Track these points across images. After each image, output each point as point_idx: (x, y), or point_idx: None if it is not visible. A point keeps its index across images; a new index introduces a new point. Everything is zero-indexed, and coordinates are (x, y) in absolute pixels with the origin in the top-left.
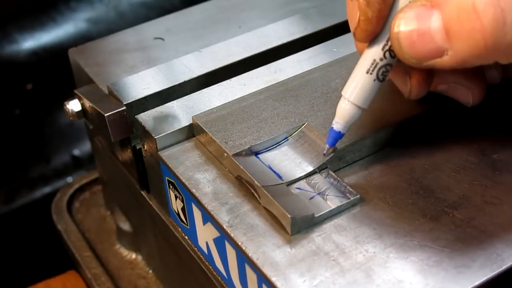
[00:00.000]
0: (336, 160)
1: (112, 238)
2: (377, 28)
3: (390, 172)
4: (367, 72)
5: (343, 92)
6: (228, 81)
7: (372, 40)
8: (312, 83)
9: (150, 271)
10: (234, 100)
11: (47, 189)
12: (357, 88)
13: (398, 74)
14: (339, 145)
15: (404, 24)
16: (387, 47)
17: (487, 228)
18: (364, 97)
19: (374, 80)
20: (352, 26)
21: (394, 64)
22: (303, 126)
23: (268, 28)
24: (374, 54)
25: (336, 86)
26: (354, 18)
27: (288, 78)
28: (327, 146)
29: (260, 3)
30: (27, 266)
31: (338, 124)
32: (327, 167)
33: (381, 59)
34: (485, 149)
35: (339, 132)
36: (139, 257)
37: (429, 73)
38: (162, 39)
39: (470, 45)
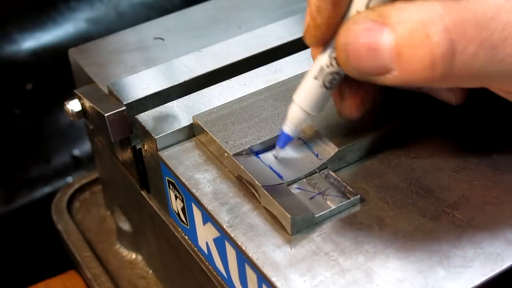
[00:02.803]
0: (336, 160)
1: (112, 238)
2: (326, 35)
3: (390, 172)
4: (314, 78)
5: (293, 96)
6: (228, 81)
7: (322, 46)
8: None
9: (150, 271)
10: (235, 100)
11: (47, 189)
12: (305, 93)
13: (334, 92)
14: (339, 145)
15: (353, 36)
16: (334, 55)
17: (487, 228)
18: (311, 103)
19: (321, 86)
20: (303, 29)
21: (343, 74)
22: (303, 126)
23: (268, 28)
24: (322, 60)
25: None
26: (305, 21)
27: (288, 78)
28: (277, 147)
29: (260, 3)
30: (27, 266)
31: (287, 127)
32: (327, 167)
33: (327, 66)
34: (485, 149)
35: (288, 135)
36: (139, 257)
37: (362, 100)
38: (162, 39)
39: (418, 70)
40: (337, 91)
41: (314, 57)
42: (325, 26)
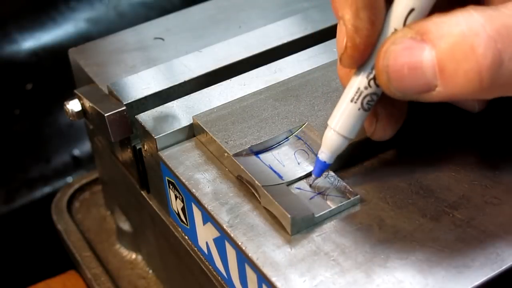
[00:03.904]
0: (336, 160)
1: (112, 238)
2: (364, 55)
3: (390, 172)
4: (351, 101)
5: (329, 122)
6: (228, 81)
7: (358, 67)
8: (313, 83)
9: (150, 271)
10: (235, 100)
11: (47, 189)
12: (342, 117)
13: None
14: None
15: (394, 57)
16: (372, 76)
17: (487, 228)
18: (349, 126)
19: (359, 109)
20: (339, 51)
21: (380, 94)
22: (303, 126)
23: (268, 28)
24: (359, 82)
25: (337, 86)
26: (341, 43)
27: (289, 78)
28: (313, 176)
29: (260, 3)
30: (27, 266)
31: (323, 154)
32: None
33: (365, 88)
34: (485, 149)
35: (325, 162)
36: (139, 257)
37: (397, 120)
38: (162, 39)
39: (464, 84)
40: (371, 114)
41: (342, 78)
42: (364, 46)
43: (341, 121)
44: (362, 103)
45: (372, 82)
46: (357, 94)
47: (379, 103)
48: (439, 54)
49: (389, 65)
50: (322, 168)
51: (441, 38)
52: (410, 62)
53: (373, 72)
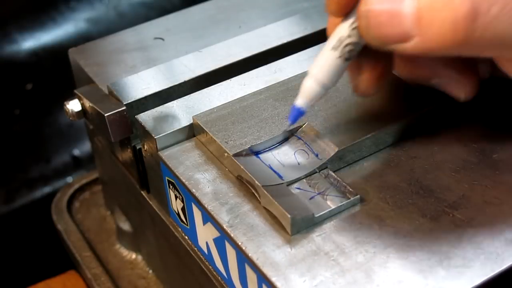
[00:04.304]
0: (336, 160)
1: (112, 238)
2: (349, 2)
3: (390, 172)
4: (332, 49)
5: (308, 69)
6: (228, 81)
7: (343, 16)
8: None
9: (150, 271)
10: (235, 100)
11: (47, 189)
12: (321, 64)
13: (351, 65)
14: (339, 145)
15: (375, 3)
16: (354, 25)
17: (487, 228)
18: (328, 74)
19: (339, 57)
20: None
21: (362, 44)
22: (303, 126)
23: (268, 28)
24: (342, 31)
25: (337, 86)
26: None
27: (289, 78)
28: (289, 122)
29: (260, 3)
30: (27, 266)
31: (300, 99)
32: (327, 167)
33: (348, 36)
34: (485, 149)
35: (300, 109)
36: (139, 257)
37: (380, 74)
38: (162, 39)
39: (440, 35)
40: (354, 65)
41: (329, 32)
42: None
43: (321, 69)
44: (342, 52)
45: (354, 31)
46: (338, 42)
47: (363, 56)
48: (418, 3)
49: (370, 9)
50: (297, 115)
51: None
52: (390, 9)
53: (356, 21)
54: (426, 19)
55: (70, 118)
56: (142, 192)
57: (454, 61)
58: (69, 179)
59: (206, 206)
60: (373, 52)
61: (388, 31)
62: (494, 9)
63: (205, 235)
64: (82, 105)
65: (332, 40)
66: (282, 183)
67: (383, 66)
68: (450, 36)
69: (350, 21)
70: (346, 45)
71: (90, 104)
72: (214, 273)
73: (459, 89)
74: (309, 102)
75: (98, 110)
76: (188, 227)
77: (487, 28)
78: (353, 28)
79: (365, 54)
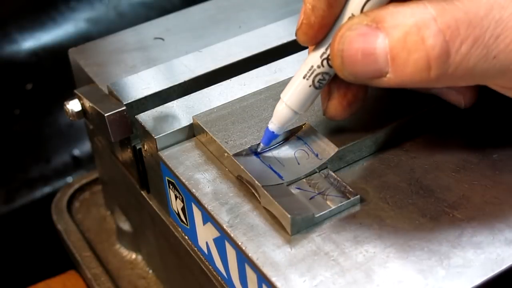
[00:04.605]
0: (336, 160)
1: (112, 238)
2: (318, 34)
3: (390, 172)
4: (304, 77)
5: (281, 94)
6: (228, 81)
7: (314, 45)
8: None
9: (150, 271)
10: (235, 100)
11: (47, 189)
12: (293, 92)
13: (322, 91)
14: (339, 145)
15: (349, 42)
16: (325, 56)
17: (487, 228)
18: (299, 101)
19: (310, 86)
20: (296, 26)
21: (333, 74)
22: (303, 126)
23: (268, 28)
24: (313, 60)
25: None
26: (299, 19)
27: (289, 78)
28: (262, 145)
29: (260, 3)
30: (27, 266)
31: (273, 124)
32: (327, 167)
33: (318, 66)
34: (485, 149)
35: (273, 132)
36: (139, 257)
37: (349, 103)
38: (162, 39)
39: (413, 73)
40: (325, 90)
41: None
42: (318, 26)
43: (292, 96)
44: (313, 81)
45: (325, 62)
46: (310, 72)
47: (334, 83)
48: (392, 43)
49: (344, 49)
50: (271, 138)
51: (395, 27)
52: (364, 48)
53: (327, 52)
54: (400, 59)
55: (70, 118)
56: (142, 192)
57: None
58: (69, 179)
59: (206, 206)
60: (344, 82)
61: (363, 69)
62: (465, 47)
63: (205, 235)
64: (82, 105)
65: (303, 69)
66: (282, 183)
67: (354, 94)
68: (424, 74)
69: (321, 51)
70: (317, 74)
71: (90, 104)
72: (214, 273)
73: (459, 97)
74: (282, 126)
75: (98, 110)
76: (188, 227)
77: (459, 65)
78: (324, 59)
79: (336, 82)
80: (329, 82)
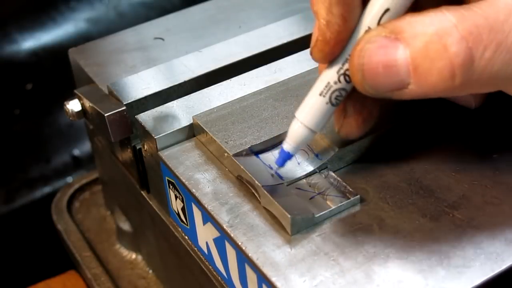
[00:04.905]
0: (336, 160)
1: (112, 238)
2: (335, 50)
3: (390, 172)
4: (320, 94)
5: (296, 113)
6: (228, 81)
7: (329, 61)
8: (312, 83)
9: (150, 271)
10: (235, 100)
11: (47, 189)
12: (309, 110)
13: (336, 110)
14: (339, 145)
15: (369, 56)
16: (342, 71)
17: (487, 228)
18: (315, 120)
19: (327, 103)
20: (311, 44)
21: (349, 90)
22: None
23: (268, 28)
24: (329, 76)
25: None
26: (314, 36)
27: (289, 78)
28: (276, 166)
29: (260, 3)
30: (27, 266)
31: (288, 145)
32: (327, 167)
33: (335, 82)
34: (485, 149)
35: (288, 153)
36: (139, 257)
37: (365, 120)
38: (162, 39)
39: (438, 81)
40: (339, 108)
41: (320, 72)
42: (334, 41)
43: (308, 114)
44: (330, 98)
45: (342, 78)
46: (326, 88)
47: (349, 100)
48: (413, 53)
49: (364, 63)
50: (286, 158)
51: (415, 37)
52: (384, 60)
53: (344, 67)
54: (423, 68)
55: (70, 118)
56: (142, 192)
57: None
58: (69, 179)
59: (206, 206)
60: (360, 97)
61: (385, 82)
62: (488, 52)
63: (205, 235)
64: (82, 105)
65: (319, 85)
66: (282, 183)
67: (369, 112)
68: (448, 83)
69: (337, 66)
70: (334, 91)
71: (90, 104)
72: (214, 273)
73: (470, 98)
74: (297, 146)
75: (98, 110)
76: (188, 227)
77: (483, 71)
78: (341, 74)
79: (351, 99)
80: (345, 98)
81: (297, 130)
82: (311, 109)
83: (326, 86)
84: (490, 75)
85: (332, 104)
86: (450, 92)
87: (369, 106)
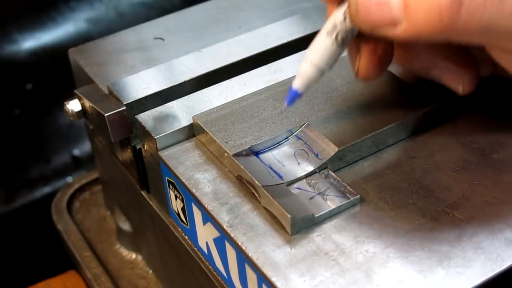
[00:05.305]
0: (336, 160)
1: (112, 238)
2: None
3: (390, 172)
4: (327, 34)
5: (305, 55)
6: (228, 81)
7: (338, 2)
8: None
9: (150, 271)
10: (235, 100)
11: (47, 189)
12: (317, 48)
13: (351, 50)
14: (339, 145)
15: None
16: (347, 11)
17: (487, 228)
18: (323, 58)
19: (333, 42)
20: None
21: (354, 30)
22: (303, 126)
23: (268, 28)
24: (336, 16)
25: (337, 86)
26: None
27: (288, 78)
28: (285, 104)
29: (260, 3)
30: (27, 266)
31: (297, 82)
32: (327, 167)
33: (342, 21)
34: (485, 149)
35: (297, 91)
36: (139, 257)
37: (380, 59)
38: (162, 39)
39: (426, 21)
40: (353, 50)
41: (328, 16)
42: None
43: (316, 53)
44: (336, 37)
45: (348, 18)
46: (333, 27)
47: (362, 40)
48: None
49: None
50: (294, 96)
51: None
52: None
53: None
54: (413, 7)
55: (70, 118)
56: (142, 192)
57: (452, 53)
58: (69, 179)
59: (206, 206)
60: (372, 38)
61: (377, 17)
62: None
63: (205, 235)
64: (82, 105)
65: (327, 25)
66: (282, 183)
67: (383, 50)
68: (436, 23)
69: (344, 7)
70: (340, 30)
71: (90, 104)
72: (214, 273)
73: (458, 82)
74: (306, 84)
75: (98, 110)
76: (188, 227)
77: (472, 16)
78: (347, 14)
79: (364, 39)
80: (352, 39)
81: (306, 69)
82: (319, 48)
83: (333, 25)
84: (478, 23)
85: (338, 44)
86: (438, 34)
87: (382, 44)
